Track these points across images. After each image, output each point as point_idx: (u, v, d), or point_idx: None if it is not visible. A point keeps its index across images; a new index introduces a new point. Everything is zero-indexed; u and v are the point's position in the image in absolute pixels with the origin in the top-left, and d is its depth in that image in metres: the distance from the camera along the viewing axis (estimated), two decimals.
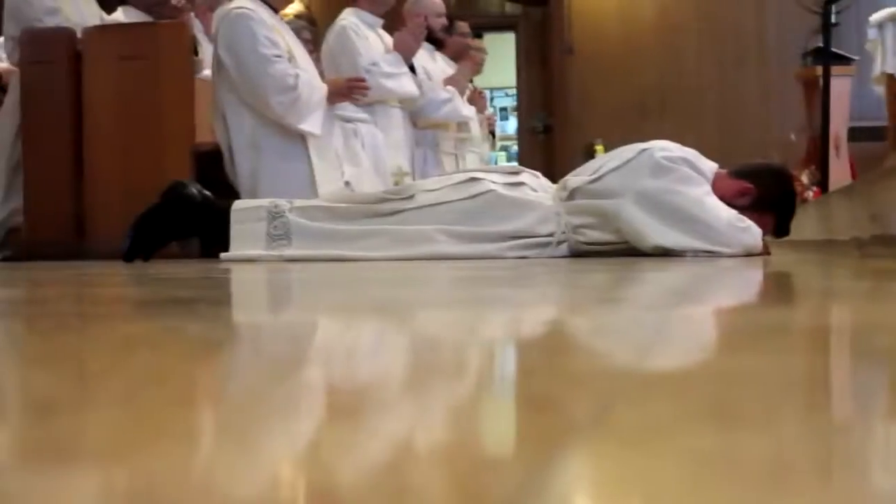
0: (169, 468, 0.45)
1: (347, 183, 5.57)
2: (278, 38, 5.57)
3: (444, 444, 0.53)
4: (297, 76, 5.46)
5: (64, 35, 6.16)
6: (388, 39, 6.54)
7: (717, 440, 0.47)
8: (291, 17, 6.90)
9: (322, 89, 5.61)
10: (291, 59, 5.58)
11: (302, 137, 5.53)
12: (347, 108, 5.90)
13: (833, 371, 0.84)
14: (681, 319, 1.28)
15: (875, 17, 6.97)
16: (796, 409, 0.58)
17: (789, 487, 0.40)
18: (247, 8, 5.52)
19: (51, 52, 6.14)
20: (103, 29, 6.31)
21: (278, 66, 5.45)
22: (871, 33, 6.95)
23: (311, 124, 5.50)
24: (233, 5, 5.59)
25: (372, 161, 5.88)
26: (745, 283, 2.22)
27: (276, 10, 5.74)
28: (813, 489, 0.40)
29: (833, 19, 6.86)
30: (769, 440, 0.48)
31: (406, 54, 6.41)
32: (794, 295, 1.89)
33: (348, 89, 5.77)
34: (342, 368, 0.89)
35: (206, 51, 6.69)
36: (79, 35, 6.14)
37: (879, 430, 0.55)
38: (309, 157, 5.55)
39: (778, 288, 2.10)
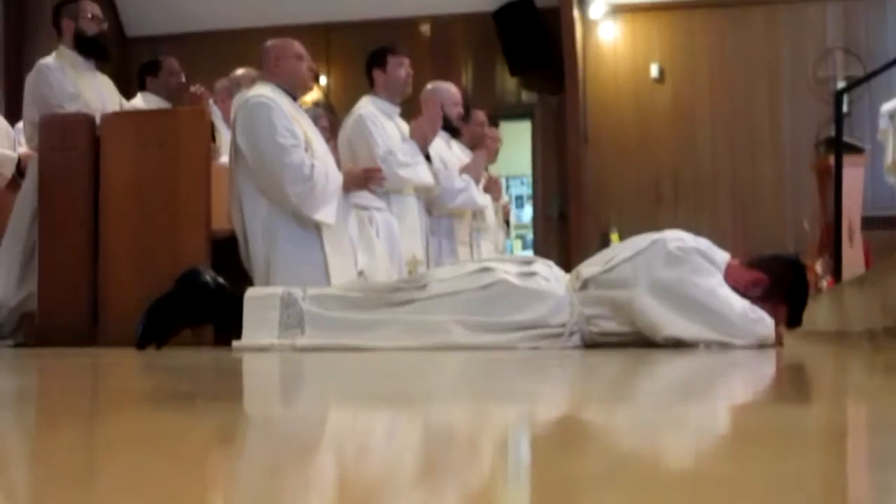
0: None
1: (361, 272, 5.57)
2: (296, 126, 5.59)
3: None
4: (312, 166, 5.47)
5: (83, 120, 6.21)
6: (405, 127, 6.58)
7: None
8: (310, 104, 6.95)
9: (338, 179, 5.63)
10: (308, 147, 5.59)
11: (316, 226, 5.54)
12: (364, 196, 5.92)
13: (844, 478, 0.82)
14: (689, 419, 1.27)
15: (886, 107, 7.02)
16: None
17: None
18: (266, 96, 5.56)
19: (70, 137, 6.19)
20: (123, 115, 6.37)
21: (295, 155, 5.46)
22: (883, 123, 6.99)
23: (326, 214, 5.51)
24: (252, 93, 5.64)
25: (387, 249, 5.89)
26: (757, 378, 2.20)
27: (295, 98, 5.78)
28: None
29: (845, 109, 6.91)
30: None
31: (422, 143, 6.44)
32: (805, 391, 1.87)
33: (365, 179, 5.80)
34: (352, 465, 0.88)
35: (224, 137, 6.75)
36: (98, 121, 6.19)
37: None
38: (323, 245, 5.55)
39: (790, 383, 2.08)
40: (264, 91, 5.62)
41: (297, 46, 5.84)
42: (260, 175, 5.50)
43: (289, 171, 5.43)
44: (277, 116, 5.51)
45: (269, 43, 5.89)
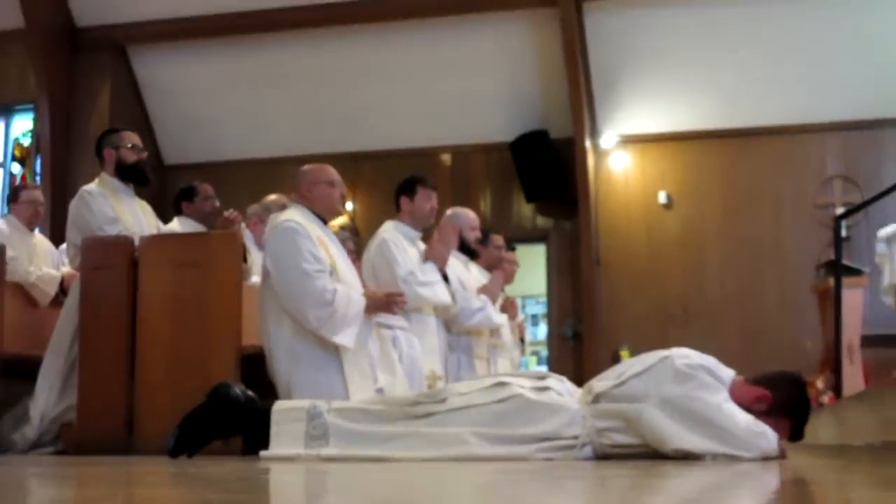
0: None
1: (380, 389, 5.53)
2: (322, 251, 5.58)
3: None
4: (335, 292, 5.43)
5: (123, 242, 6.27)
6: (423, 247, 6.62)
7: None
8: (336, 228, 7.00)
9: (360, 303, 5.58)
10: (334, 272, 5.57)
11: (336, 348, 5.51)
12: (388, 316, 5.91)
13: None
14: None
15: (883, 232, 7.05)
16: None
17: None
18: (295, 221, 5.56)
19: (110, 258, 6.24)
20: (160, 238, 6.42)
21: (318, 282, 5.44)
22: (880, 247, 7.01)
23: (345, 338, 5.46)
24: (283, 217, 5.65)
25: (407, 369, 5.85)
26: (762, 492, 2.18)
27: (325, 222, 5.81)
28: None
29: (844, 234, 6.93)
30: None
31: (439, 262, 6.47)
32: None
33: (387, 303, 5.79)
34: None
35: (254, 259, 6.80)
36: (136, 243, 6.25)
37: None
38: (343, 367, 5.52)
39: (793, 497, 2.07)
40: (295, 215, 5.63)
41: (331, 173, 5.86)
42: (284, 297, 5.50)
43: (311, 296, 5.41)
44: (304, 242, 5.50)
45: (305, 168, 5.93)
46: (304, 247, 5.48)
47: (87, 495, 1.90)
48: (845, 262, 7.04)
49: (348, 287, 5.62)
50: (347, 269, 5.81)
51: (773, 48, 10.97)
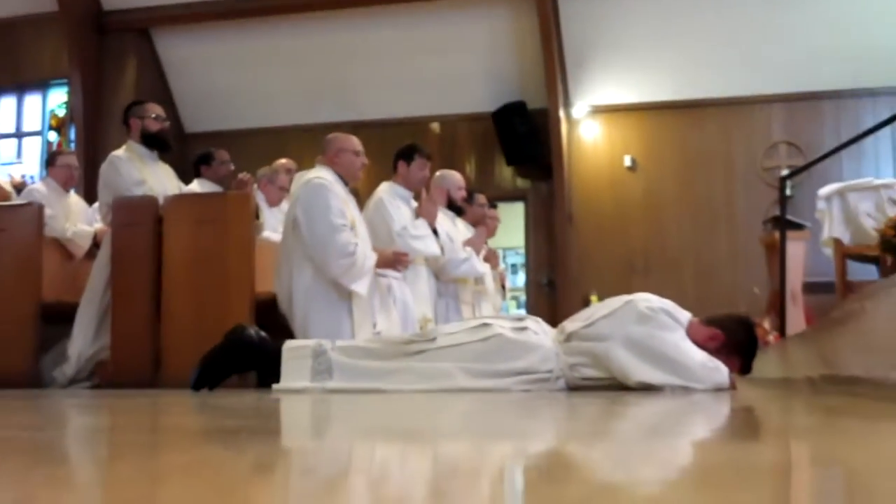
0: None
1: (378, 332, 5.58)
2: (346, 209, 5.62)
3: None
4: (356, 245, 5.49)
5: (148, 202, 6.24)
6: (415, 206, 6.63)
7: None
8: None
9: (373, 258, 5.64)
10: (354, 228, 5.62)
11: (348, 295, 5.55)
12: (384, 269, 5.93)
13: None
14: (656, 454, 1.26)
15: (823, 191, 7.04)
16: None
17: None
18: (326, 179, 5.59)
19: (137, 216, 6.22)
20: (181, 197, 6.40)
21: (343, 234, 5.48)
22: (820, 205, 7.00)
23: (360, 286, 5.53)
24: (313, 174, 5.65)
25: (401, 313, 5.90)
26: (714, 418, 2.19)
27: (346, 184, 5.80)
28: None
29: (788, 192, 6.91)
30: None
31: (429, 219, 6.47)
32: (755, 430, 1.86)
33: (394, 261, 5.83)
34: (373, 491, 0.87)
35: (265, 216, 6.78)
36: (161, 202, 6.23)
37: None
38: (351, 310, 5.56)
39: (742, 423, 2.07)
40: (324, 175, 5.64)
41: (356, 143, 5.87)
42: (312, 245, 5.52)
43: (336, 247, 5.45)
44: (333, 199, 5.53)
45: (333, 136, 5.92)
46: (333, 203, 5.52)
47: (119, 423, 1.90)
48: (789, 217, 7.03)
49: (364, 243, 5.65)
50: (362, 226, 5.82)
51: (724, 28, 10.92)
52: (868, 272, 7.10)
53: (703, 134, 11.54)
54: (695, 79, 11.33)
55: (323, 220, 5.48)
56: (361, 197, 7.35)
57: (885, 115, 6.29)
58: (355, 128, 11.55)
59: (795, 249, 7.29)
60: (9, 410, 2.46)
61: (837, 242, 6.76)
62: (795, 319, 6.90)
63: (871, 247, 6.43)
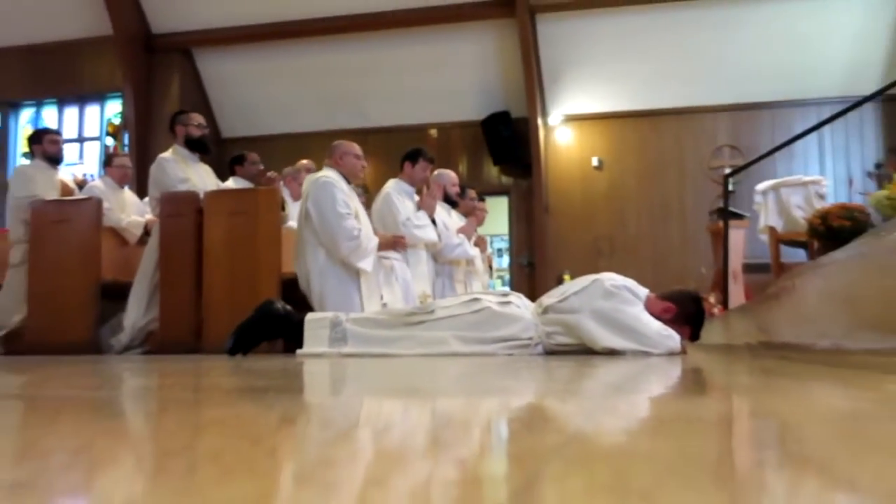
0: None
1: (385, 304, 5.61)
2: (350, 201, 5.66)
3: (453, 482, 0.52)
4: (360, 230, 5.55)
5: (191, 196, 6.24)
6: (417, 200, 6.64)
7: None
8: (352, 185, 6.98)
9: (375, 240, 5.70)
10: (357, 216, 5.65)
11: (356, 272, 5.58)
12: (389, 252, 5.96)
13: (722, 451, 0.81)
14: (620, 407, 1.26)
15: (760, 186, 7.04)
16: (683, 484, 0.56)
17: None
18: (332, 178, 5.64)
19: (182, 208, 6.22)
20: (219, 192, 6.39)
21: (349, 221, 5.52)
22: (758, 198, 7.00)
23: (366, 264, 5.58)
24: (321, 174, 5.71)
25: (403, 289, 5.94)
26: (667, 378, 2.19)
27: (349, 183, 5.82)
28: None
29: (731, 188, 6.90)
30: None
31: (428, 211, 6.49)
32: (699, 388, 1.86)
33: (393, 243, 5.89)
34: (380, 438, 0.87)
35: (290, 208, 6.78)
36: (201, 197, 6.22)
37: (758, 500, 0.53)
38: (359, 286, 5.60)
39: (691, 381, 2.07)
40: (330, 174, 5.69)
41: (357, 148, 5.92)
42: (322, 233, 5.55)
43: (343, 231, 5.50)
44: (338, 192, 5.58)
45: (338, 142, 5.96)
46: (338, 196, 5.56)
47: (166, 383, 1.89)
48: (731, 209, 7.03)
49: (366, 228, 5.70)
50: (364, 215, 5.86)
51: (677, 49, 10.91)
52: (798, 255, 7.12)
53: (658, 138, 11.54)
54: (652, 92, 11.33)
55: (330, 210, 5.53)
56: (371, 192, 7.33)
57: (813, 123, 6.30)
58: (365, 134, 11.61)
59: (736, 236, 7.29)
60: (73, 373, 2.45)
61: (772, 230, 6.77)
62: (736, 295, 6.91)
63: (801, 234, 6.44)
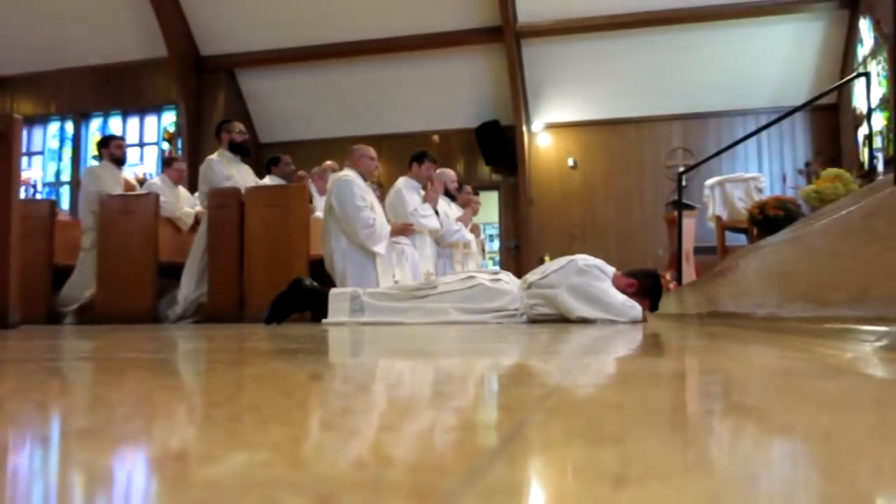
0: (289, 446, 0.43)
1: (396, 281, 5.61)
2: (367, 195, 5.69)
3: (453, 428, 0.51)
4: (375, 219, 5.58)
5: (234, 192, 6.24)
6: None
7: (587, 452, 0.45)
8: (369, 183, 6.97)
9: (388, 228, 5.73)
10: (372, 208, 5.67)
11: (372, 255, 5.60)
12: (399, 237, 5.97)
13: (677, 401, 0.81)
14: (586, 366, 1.26)
15: (708, 182, 7.03)
16: (646, 429, 0.56)
17: (634, 484, 0.37)
18: (351, 176, 5.67)
19: (226, 201, 6.21)
20: (257, 188, 6.39)
21: (365, 213, 5.55)
22: (706, 192, 6.99)
23: (380, 248, 5.61)
24: (342, 174, 5.74)
25: (411, 269, 5.95)
26: (631, 341, 2.19)
27: (365, 180, 5.83)
28: (642, 487, 0.38)
29: (684, 183, 6.89)
30: (622, 451, 0.46)
31: (432, 203, 6.49)
32: (657, 349, 1.86)
33: (403, 230, 5.91)
34: (392, 390, 0.87)
35: (317, 202, 6.77)
36: (243, 192, 6.22)
37: (696, 444, 0.53)
38: (375, 266, 5.61)
39: (651, 344, 2.07)
40: (349, 174, 5.70)
41: (371, 151, 5.94)
42: (344, 222, 5.57)
43: (361, 220, 5.52)
44: (357, 189, 5.60)
45: (356, 146, 6.00)
46: (356, 191, 5.58)
47: (213, 346, 1.89)
48: (684, 201, 7.02)
49: (381, 217, 5.72)
50: (378, 207, 5.88)
51: (638, 68, 10.88)
52: (740, 240, 7.11)
53: (623, 142, 11.51)
54: (618, 103, 11.31)
55: (350, 204, 5.54)
56: (385, 188, 7.32)
57: (752, 129, 6.29)
58: (379, 139, 11.59)
59: (688, 223, 7.28)
60: (134, 339, 2.45)
61: (718, 219, 6.76)
62: (688, 273, 6.91)
63: (742, 222, 6.43)
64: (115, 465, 0.44)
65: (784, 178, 10.72)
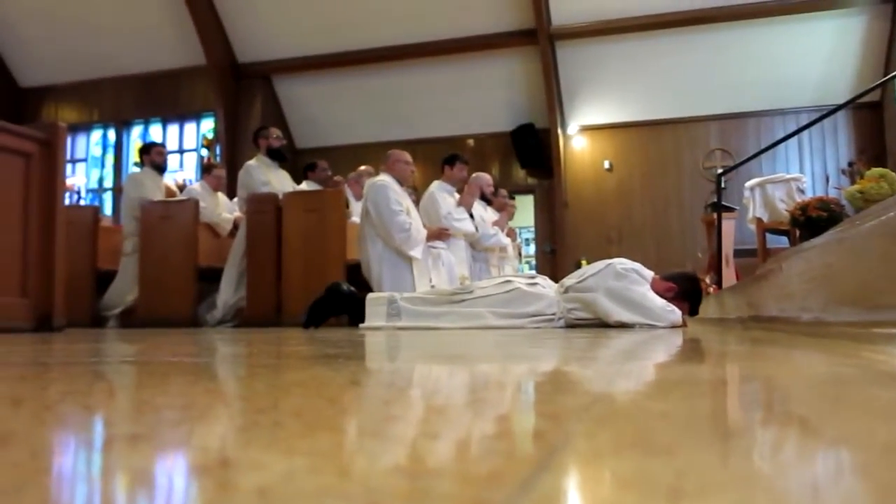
0: (327, 452, 0.43)
1: (433, 285, 5.61)
2: (402, 200, 5.70)
3: (498, 435, 0.51)
4: (411, 224, 5.60)
5: (272, 197, 6.30)
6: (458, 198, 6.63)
7: (638, 463, 0.44)
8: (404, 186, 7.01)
9: (424, 232, 5.74)
10: (408, 212, 5.68)
11: (409, 259, 5.61)
12: (435, 242, 5.98)
13: (726, 410, 0.80)
14: (628, 373, 1.24)
15: (748, 183, 6.92)
16: (692, 441, 0.54)
17: (691, 498, 0.37)
18: (386, 181, 5.69)
19: (264, 206, 6.28)
20: (294, 194, 6.45)
21: (401, 217, 5.56)
22: (746, 193, 6.88)
23: (416, 252, 5.61)
24: (378, 179, 5.77)
25: (447, 273, 5.94)
26: (670, 347, 2.16)
27: (401, 184, 5.86)
28: (699, 501, 0.37)
29: (723, 184, 6.79)
30: (674, 463, 0.45)
31: (467, 207, 6.49)
32: (699, 355, 1.83)
33: (438, 234, 5.91)
34: (430, 395, 0.87)
35: (353, 206, 6.81)
36: (280, 197, 6.27)
37: (751, 456, 0.51)
38: (412, 270, 5.61)
39: (691, 350, 2.04)
40: (385, 179, 5.72)
41: (406, 156, 5.97)
42: (379, 226, 5.59)
43: (397, 225, 5.53)
44: (392, 193, 5.62)
45: (391, 151, 6.05)
46: (391, 195, 5.60)
47: (254, 350, 1.91)
48: (724, 202, 6.91)
49: (417, 222, 5.73)
50: (414, 212, 5.89)
51: (675, 67, 10.76)
52: (781, 242, 6.98)
53: (660, 144, 11.39)
54: (654, 104, 11.19)
55: (385, 209, 5.56)
56: (420, 192, 7.35)
57: (792, 129, 6.17)
58: (414, 144, 11.62)
59: (728, 226, 7.17)
60: (176, 343, 2.49)
61: (759, 220, 6.65)
62: (728, 276, 6.81)
63: (783, 223, 6.32)
64: (161, 470, 0.45)
65: (826, 179, 10.50)
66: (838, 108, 6.23)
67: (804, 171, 10.38)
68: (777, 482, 0.40)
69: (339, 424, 0.64)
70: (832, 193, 8.74)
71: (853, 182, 7.84)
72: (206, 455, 0.49)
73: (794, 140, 10.22)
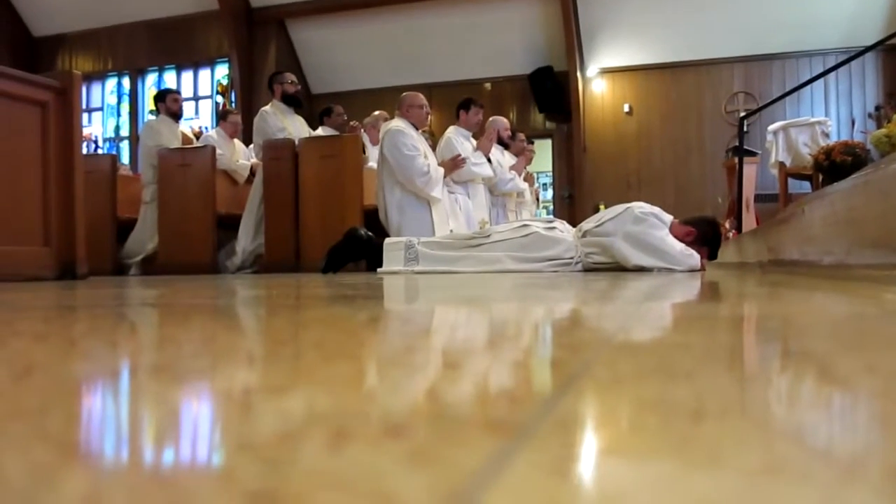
0: (349, 386, 0.43)
1: (452, 230, 5.61)
2: (419, 144, 5.66)
3: (518, 364, 0.51)
4: (429, 165, 5.57)
5: (288, 143, 6.27)
6: (474, 143, 6.57)
7: (657, 389, 0.44)
8: (421, 131, 6.94)
9: (441, 171, 5.72)
10: (425, 156, 5.65)
11: (428, 203, 5.60)
12: (453, 186, 5.96)
13: (739, 344, 0.80)
14: (647, 311, 1.24)
15: (771, 127, 6.82)
16: (712, 369, 0.54)
17: (713, 419, 0.37)
18: (401, 126, 5.63)
19: (280, 153, 6.26)
20: (311, 139, 6.41)
21: (419, 160, 5.53)
22: (769, 137, 6.78)
23: (437, 192, 5.61)
24: (393, 124, 5.70)
25: (465, 218, 5.94)
26: (689, 289, 2.15)
27: (417, 128, 5.81)
28: (721, 422, 0.37)
29: (745, 128, 6.68)
30: (696, 388, 0.45)
31: (485, 151, 6.43)
32: (718, 296, 1.82)
33: (453, 165, 5.88)
34: (448, 335, 0.87)
35: (369, 152, 6.78)
36: (296, 143, 6.25)
37: (770, 382, 0.51)
38: (431, 215, 5.61)
39: (710, 291, 2.03)
40: (400, 124, 5.67)
41: (422, 99, 5.88)
42: (398, 172, 5.57)
43: (416, 168, 5.52)
44: (408, 138, 5.58)
45: (405, 94, 5.93)
46: (407, 140, 5.56)
47: (272, 294, 1.93)
48: (746, 147, 6.81)
49: (434, 163, 5.71)
50: (431, 155, 5.85)
51: (697, 7, 10.49)
52: (803, 187, 6.91)
53: (680, 86, 11.19)
54: (675, 46, 10.96)
55: (402, 155, 5.53)
56: (437, 137, 7.29)
57: (818, 71, 6.03)
58: (430, 88, 11.50)
59: (749, 170, 7.07)
60: (197, 287, 2.52)
61: (781, 165, 6.56)
62: (748, 221, 6.75)
63: (806, 168, 6.24)
64: (185, 397, 0.45)
65: (853, 123, 10.30)
66: (867, 49, 6.05)
67: (830, 115, 10.18)
68: (802, 405, 0.40)
69: (360, 355, 0.64)
70: (858, 138, 8.59)
71: (880, 126, 7.69)
72: (228, 381, 0.50)
73: (819, 83, 9.99)
